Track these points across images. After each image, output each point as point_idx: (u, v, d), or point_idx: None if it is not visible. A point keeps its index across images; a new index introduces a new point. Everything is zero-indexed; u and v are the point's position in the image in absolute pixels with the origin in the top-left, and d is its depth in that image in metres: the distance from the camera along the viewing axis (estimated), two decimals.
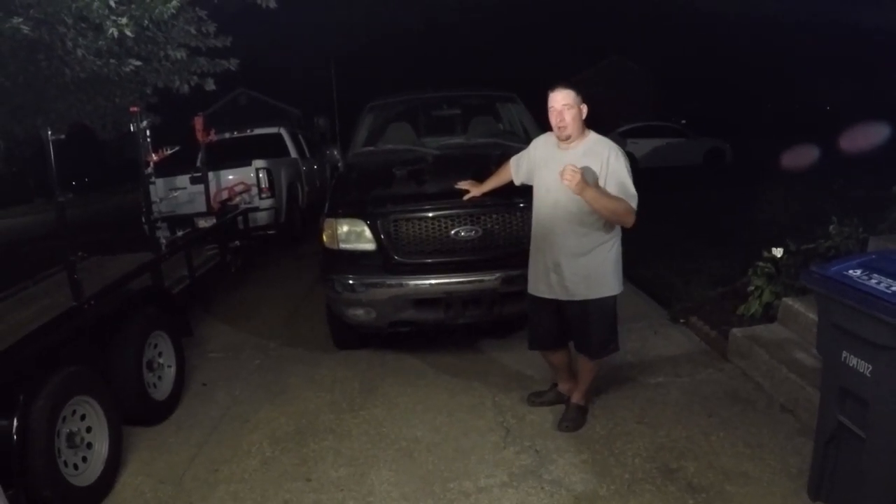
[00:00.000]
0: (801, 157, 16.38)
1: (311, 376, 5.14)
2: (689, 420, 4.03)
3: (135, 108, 6.29)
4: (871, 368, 2.62)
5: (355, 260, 4.91)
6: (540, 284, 3.95)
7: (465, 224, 4.74)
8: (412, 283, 4.79)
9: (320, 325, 5.80)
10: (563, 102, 3.71)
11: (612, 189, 3.63)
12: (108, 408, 3.83)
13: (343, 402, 4.65)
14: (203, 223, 7.35)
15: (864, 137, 18.00)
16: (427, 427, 4.19)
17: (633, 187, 3.66)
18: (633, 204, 3.65)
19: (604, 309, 3.88)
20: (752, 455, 3.59)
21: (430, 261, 4.80)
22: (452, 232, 4.74)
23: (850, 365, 2.74)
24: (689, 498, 3.26)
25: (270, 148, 11.49)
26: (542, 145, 4.08)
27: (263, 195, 9.78)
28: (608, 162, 3.66)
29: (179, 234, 6.74)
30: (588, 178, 3.56)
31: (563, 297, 3.85)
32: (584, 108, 3.77)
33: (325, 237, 5.05)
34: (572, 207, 3.69)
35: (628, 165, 3.72)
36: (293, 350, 5.78)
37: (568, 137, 3.76)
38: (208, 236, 7.39)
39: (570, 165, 3.55)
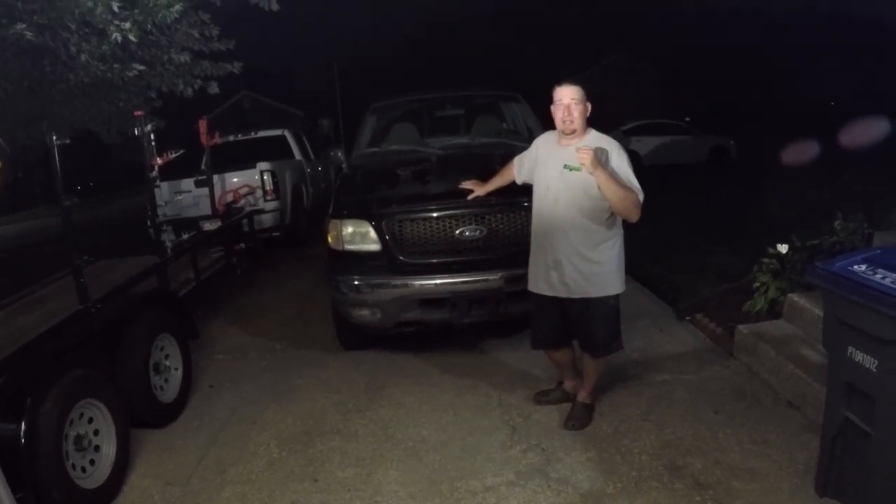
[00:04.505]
0: (806, 153, 16.33)
1: (317, 377, 5.14)
2: (695, 417, 4.02)
3: (139, 112, 6.30)
4: (876, 363, 2.62)
5: (360, 260, 4.92)
6: (540, 282, 3.96)
7: (470, 224, 4.74)
8: (417, 283, 4.79)
9: (326, 326, 5.80)
10: (571, 97, 3.72)
11: None
12: (115, 411, 3.84)
13: (349, 402, 4.66)
14: (208, 226, 7.35)
15: (869, 133, 17.95)
16: (433, 427, 4.19)
17: (637, 182, 3.68)
18: (640, 198, 3.66)
19: (606, 307, 3.87)
20: (758, 451, 3.59)
21: (435, 261, 4.80)
22: (457, 232, 4.74)
23: (856, 360, 2.74)
24: (696, 495, 3.26)
25: (275, 150, 11.50)
26: (543, 143, 4.09)
27: (268, 197, 9.79)
28: (610, 159, 3.67)
29: (185, 236, 6.74)
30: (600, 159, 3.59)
31: (563, 294, 3.85)
32: (589, 107, 3.78)
33: (330, 238, 5.05)
34: (573, 204, 3.70)
35: (629, 161, 3.74)
36: (299, 351, 5.79)
37: (573, 132, 3.76)
38: (213, 239, 7.40)
39: (582, 147, 3.58)
